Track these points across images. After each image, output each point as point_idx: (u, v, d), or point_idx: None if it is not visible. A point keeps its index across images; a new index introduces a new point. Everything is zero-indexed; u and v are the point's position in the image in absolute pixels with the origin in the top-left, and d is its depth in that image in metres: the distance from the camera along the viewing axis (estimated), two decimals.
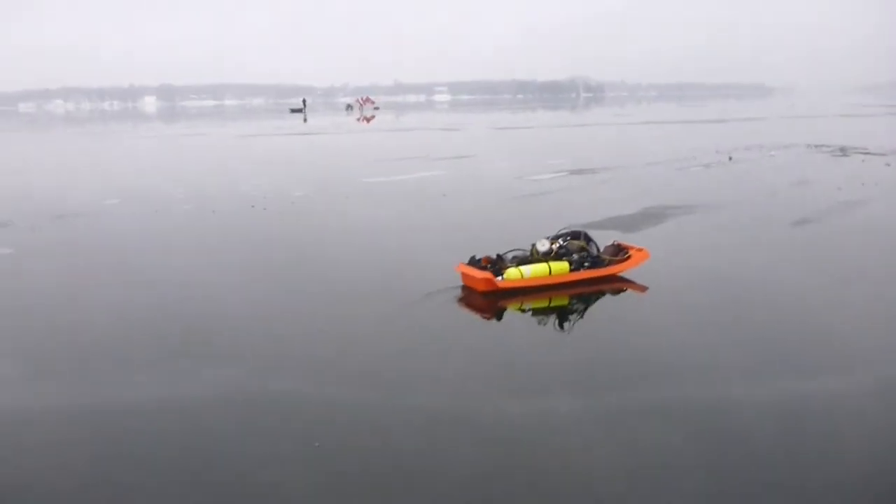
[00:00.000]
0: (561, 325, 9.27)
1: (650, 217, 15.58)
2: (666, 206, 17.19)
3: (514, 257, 10.56)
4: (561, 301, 10.15)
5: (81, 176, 28.23)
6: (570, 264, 10.49)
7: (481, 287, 9.95)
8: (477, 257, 10.35)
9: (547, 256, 10.45)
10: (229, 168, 29.45)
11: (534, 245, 10.61)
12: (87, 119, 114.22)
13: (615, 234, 12.68)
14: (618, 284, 10.73)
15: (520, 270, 10.13)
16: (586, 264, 10.67)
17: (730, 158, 28.27)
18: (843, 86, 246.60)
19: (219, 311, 9.99)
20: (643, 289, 10.52)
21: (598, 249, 10.98)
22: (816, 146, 32.92)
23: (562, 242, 10.79)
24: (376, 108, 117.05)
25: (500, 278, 10.02)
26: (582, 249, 10.79)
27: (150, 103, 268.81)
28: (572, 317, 9.68)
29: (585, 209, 16.26)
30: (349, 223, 16.41)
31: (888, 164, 25.66)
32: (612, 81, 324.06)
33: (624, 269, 10.85)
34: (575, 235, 11.00)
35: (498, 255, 10.46)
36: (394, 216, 17.09)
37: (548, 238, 10.74)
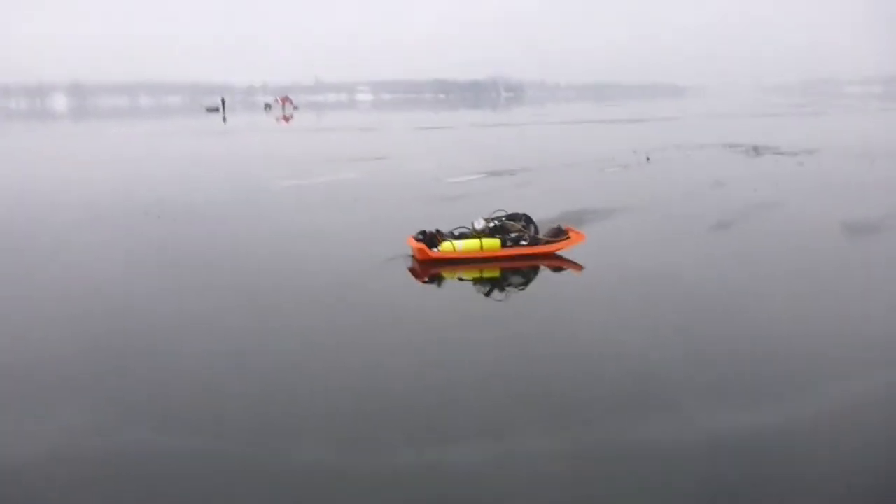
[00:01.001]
0: (487, 292, 10.80)
1: (569, 220, 14.95)
2: (585, 209, 16.74)
3: (453, 232, 12.24)
4: (492, 273, 11.58)
5: None
6: (504, 241, 11.97)
7: (418, 256, 11.66)
8: (425, 232, 12.02)
9: (480, 233, 11.97)
10: (128, 172, 27.83)
11: (473, 223, 12.24)
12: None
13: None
14: (555, 262, 12.00)
15: (453, 244, 11.75)
16: (523, 242, 12.09)
17: (647, 159, 28.19)
18: (754, 86, 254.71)
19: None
20: (577, 267, 11.77)
21: (536, 230, 12.36)
22: (731, 146, 33.29)
23: (497, 222, 12.23)
24: (295, 108, 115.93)
25: (435, 250, 11.64)
26: (521, 230, 12.18)
27: (59, 101, 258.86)
28: (495, 285, 11.14)
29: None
30: (255, 229, 15.38)
31: (800, 164, 25.96)
32: (532, 81, 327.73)
33: (559, 248, 12.22)
34: (515, 217, 12.41)
35: (438, 230, 12.11)
36: (306, 221, 16.16)
37: (484, 218, 12.34)
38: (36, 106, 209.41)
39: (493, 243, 11.88)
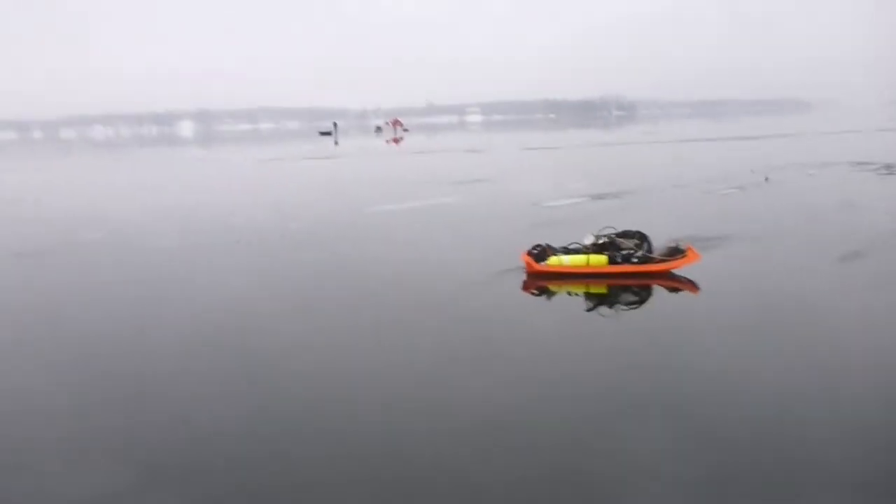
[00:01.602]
0: (591, 307, 10.96)
1: (675, 251, 13.70)
2: (694, 235, 15.27)
3: (566, 248, 12.47)
4: (599, 288, 11.77)
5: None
6: (614, 258, 12.05)
7: (527, 269, 12.14)
8: (539, 246, 12.42)
9: (588, 249, 12.21)
10: (228, 197, 28.02)
11: (583, 239, 12.43)
12: (124, 144, 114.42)
13: None
14: (669, 282, 11.88)
15: (560, 258, 12.07)
16: (634, 259, 12.08)
17: (766, 179, 26.27)
18: (878, 100, 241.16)
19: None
20: (693, 288, 11.52)
21: (650, 248, 12.29)
22: (859, 164, 30.75)
23: (607, 239, 12.26)
24: (406, 130, 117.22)
25: (542, 264, 12.05)
26: (633, 247, 12.15)
27: (186, 128, 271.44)
28: (602, 300, 11.33)
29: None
30: (335, 259, 14.76)
31: None
32: (645, 99, 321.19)
33: (673, 267, 12.10)
34: (628, 234, 12.39)
35: (548, 245, 12.44)
36: (381, 252, 15.41)
37: (594, 234, 12.46)
38: (165, 132, 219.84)
39: (600, 259, 12.05)
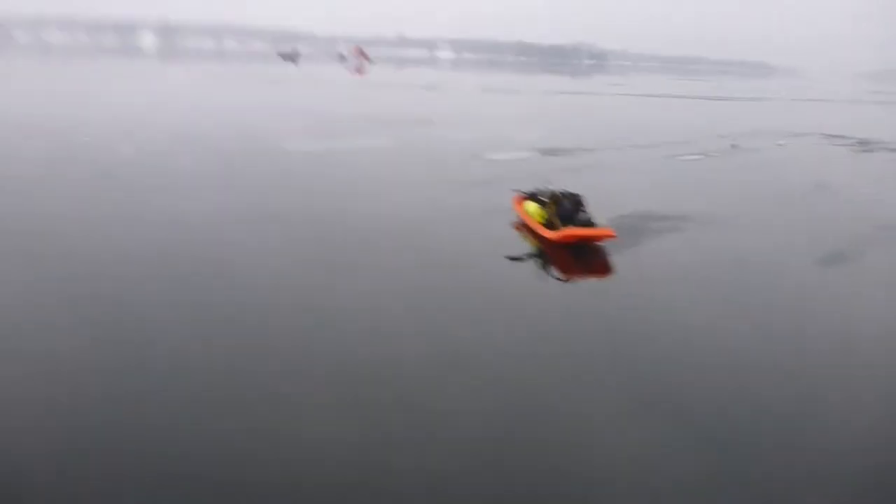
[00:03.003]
0: None
1: (624, 232, 11.29)
2: (647, 214, 12.90)
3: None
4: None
5: None
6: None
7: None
8: None
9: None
10: (138, 120, 24.92)
11: None
12: (85, 52, 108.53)
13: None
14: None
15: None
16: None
17: (733, 146, 23.97)
18: (849, 71, 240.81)
19: None
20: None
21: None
22: (831, 137, 28.60)
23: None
24: (369, 61, 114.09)
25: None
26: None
27: (147, 40, 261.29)
28: None
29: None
30: (207, 210, 12.04)
31: None
32: (616, 50, 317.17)
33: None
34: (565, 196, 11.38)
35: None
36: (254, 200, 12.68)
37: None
38: (125, 42, 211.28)
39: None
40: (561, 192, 11.44)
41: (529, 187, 12.45)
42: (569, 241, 10.63)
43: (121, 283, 8.43)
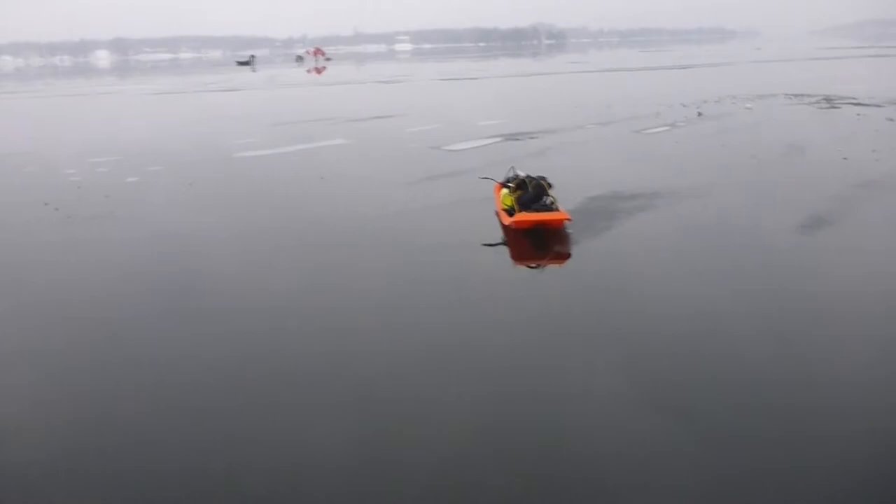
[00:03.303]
0: None
1: (594, 216, 10.71)
2: (617, 193, 12.30)
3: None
4: None
5: None
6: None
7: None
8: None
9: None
10: (86, 137, 23.96)
11: None
12: (39, 75, 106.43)
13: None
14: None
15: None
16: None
17: (699, 114, 23.49)
18: (807, 28, 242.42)
19: None
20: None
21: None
22: (796, 95, 28.20)
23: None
24: (328, 59, 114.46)
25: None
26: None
27: (102, 58, 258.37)
28: None
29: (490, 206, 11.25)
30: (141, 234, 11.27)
31: (891, 119, 20.95)
32: (575, 28, 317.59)
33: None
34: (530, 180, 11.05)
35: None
36: (209, 223, 11.90)
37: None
38: (79, 62, 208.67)
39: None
40: (527, 177, 10.98)
41: (496, 175, 11.83)
42: (523, 227, 10.19)
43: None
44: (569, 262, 9.27)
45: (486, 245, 9.81)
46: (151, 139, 22.34)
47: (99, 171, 16.66)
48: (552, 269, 9.17)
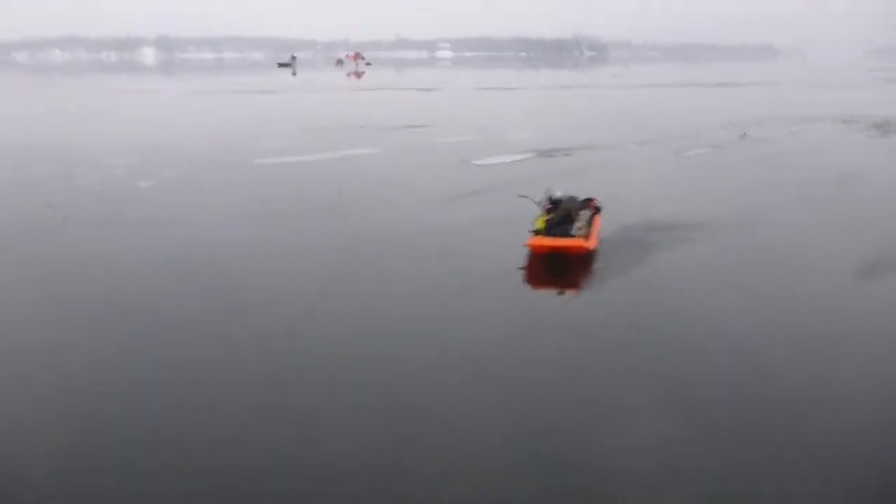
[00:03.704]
0: None
1: (625, 247, 9.89)
2: (653, 223, 11.43)
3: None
4: None
5: None
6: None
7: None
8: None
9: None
10: (113, 135, 23.55)
11: None
12: (85, 69, 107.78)
13: None
14: None
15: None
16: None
17: (743, 135, 22.46)
18: (853, 49, 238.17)
19: None
20: None
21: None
22: (846, 120, 26.95)
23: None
24: (368, 64, 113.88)
25: None
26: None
27: (148, 55, 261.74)
28: None
29: (520, 228, 10.37)
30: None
31: None
32: (617, 41, 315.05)
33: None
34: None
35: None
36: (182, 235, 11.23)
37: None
38: (125, 59, 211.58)
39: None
40: (567, 197, 10.61)
41: (530, 194, 11.16)
42: (538, 252, 9.73)
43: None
44: (582, 295, 8.89)
45: (521, 268, 9.45)
46: (175, 140, 21.88)
47: (115, 172, 16.16)
48: (564, 298, 8.84)
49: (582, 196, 10.87)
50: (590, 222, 10.27)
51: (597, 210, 10.85)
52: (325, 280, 8.95)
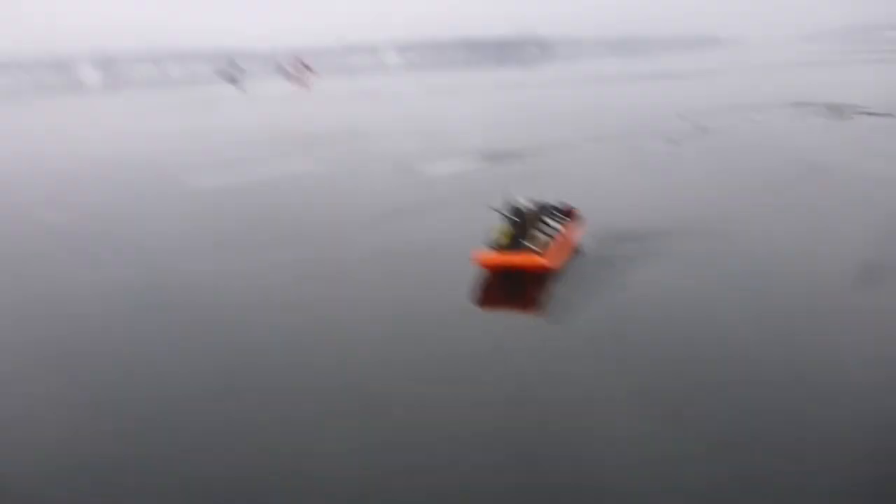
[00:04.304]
0: None
1: (585, 260, 8.80)
2: (615, 231, 10.33)
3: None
4: None
5: None
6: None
7: None
8: None
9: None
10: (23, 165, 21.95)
11: None
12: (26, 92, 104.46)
13: None
14: None
15: None
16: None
17: (701, 128, 21.59)
18: (790, 35, 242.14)
19: None
20: None
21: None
22: (799, 104, 26.29)
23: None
24: (312, 72, 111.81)
25: None
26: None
27: (88, 74, 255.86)
28: None
29: (470, 242, 9.18)
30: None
31: None
32: (563, 37, 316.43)
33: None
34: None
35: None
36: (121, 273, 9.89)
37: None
38: (66, 79, 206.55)
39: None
40: (536, 205, 9.39)
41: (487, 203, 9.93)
42: (490, 268, 8.61)
43: None
44: (534, 317, 7.97)
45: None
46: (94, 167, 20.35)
47: (22, 202, 14.69)
48: (514, 319, 7.93)
49: (553, 202, 9.83)
50: (555, 234, 9.12)
51: (570, 218, 9.76)
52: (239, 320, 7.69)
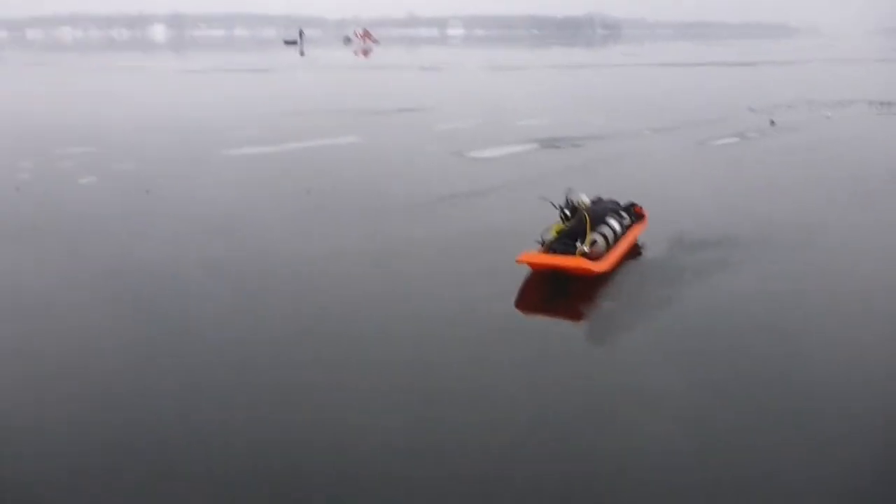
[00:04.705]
0: None
1: (644, 267, 7.83)
2: (682, 237, 9.29)
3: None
4: None
5: None
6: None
7: None
8: None
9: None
10: (75, 119, 21.59)
11: None
12: (96, 47, 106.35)
13: None
14: None
15: None
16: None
17: (772, 122, 20.22)
18: (868, 29, 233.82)
19: None
20: None
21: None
22: (880, 103, 24.58)
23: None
24: (375, 42, 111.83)
25: None
26: None
27: (158, 32, 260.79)
28: None
29: (514, 244, 8.26)
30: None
31: None
32: (630, 18, 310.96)
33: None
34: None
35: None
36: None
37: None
38: (136, 36, 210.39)
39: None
40: (596, 201, 8.73)
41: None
42: (535, 268, 7.83)
43: None
44: (581, 326, 7.13)
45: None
46: (140, 128, 19.81)
47: (60, 164, 14.18)
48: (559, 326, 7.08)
49: (617, 199, 9.02)
50: (617, 236, 8.29)
51: (639, 219, 8.95)
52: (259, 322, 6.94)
